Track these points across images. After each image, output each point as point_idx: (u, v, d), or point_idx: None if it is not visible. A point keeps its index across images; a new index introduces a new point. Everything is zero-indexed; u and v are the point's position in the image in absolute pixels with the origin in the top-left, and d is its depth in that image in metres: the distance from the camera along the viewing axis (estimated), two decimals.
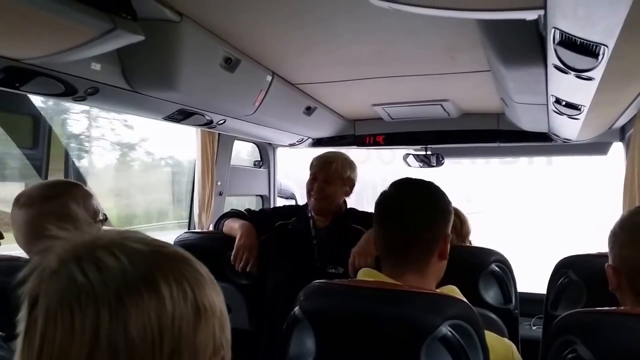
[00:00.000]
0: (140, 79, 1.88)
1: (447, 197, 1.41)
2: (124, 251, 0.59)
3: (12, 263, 1.30)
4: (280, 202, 4.03)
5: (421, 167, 3.45)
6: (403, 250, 1.35)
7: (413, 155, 3.46)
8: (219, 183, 3.21)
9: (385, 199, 1.41)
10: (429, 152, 3.42)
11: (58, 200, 1.46)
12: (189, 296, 0.60)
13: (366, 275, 1.40)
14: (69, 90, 1.75)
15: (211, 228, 3.07)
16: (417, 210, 1.36)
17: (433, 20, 1.67)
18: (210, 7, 1.72)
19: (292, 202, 4.30)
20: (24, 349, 0.58)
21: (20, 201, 1.46)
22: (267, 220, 2.48)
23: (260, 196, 3.86)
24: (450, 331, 1.15)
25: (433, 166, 3.43)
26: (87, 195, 1.54)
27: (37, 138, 2.41)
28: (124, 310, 0.55)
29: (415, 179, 1.44)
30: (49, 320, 0.56)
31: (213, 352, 0.63)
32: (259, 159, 3.84)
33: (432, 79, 2.46)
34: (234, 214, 2.52)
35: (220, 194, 3.25)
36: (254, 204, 3.93)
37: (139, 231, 0.66)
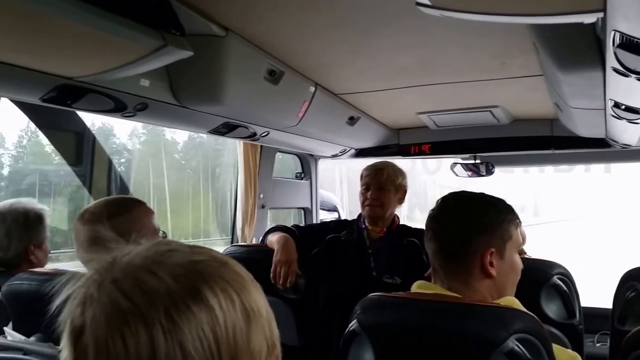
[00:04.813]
0: (187, 93, 1.88)
1: (498, 210, 1.36)
2: (163, 268, 0.58)
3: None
4: (323, 215, 3.99)
5: (470, 176, 3.36)
6: (443, 265, 1.34)
7: (461, 164, 3.38)
8: (261, 196, 3.20)
9: (429, 214, 1.42)
10: (478, 161, 3.34)
11: (120, 217, 1.45)
12: (236, 302, 0.59)
13: (421, 287, 1.38)
14: (119, 106, 1.76)
15: (254, 241, 3.07)
16: (449, 223, 1.36)
17: (482, 26, 1.63)
18: (255, 21, 1.72)
19: (335, 215, 4.26)
20: None
21: (84, 217, 1.46)
22: (315, 235, 2.47)
23: (303, 209, 3.83)
24: (517, 345, 1.12)
25: (482, 175, 3.33)
26: (149, 213, 1.54)
27: (82, 153, 2.46)
28: (176, 328, 0.54)
29: (463, 193, 1.43)
30: (100, 350, 0.54)
31: (268, 352, 0.63)
32: (300, 171, 3.81)
33: (480, 85, 2.40)
34: (280, 228, 2.50)
35: (263, 206, 3.24)
36: (294, 217, 3.91)
37: (169, 240, 0.64)
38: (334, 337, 2.13)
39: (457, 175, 3.40)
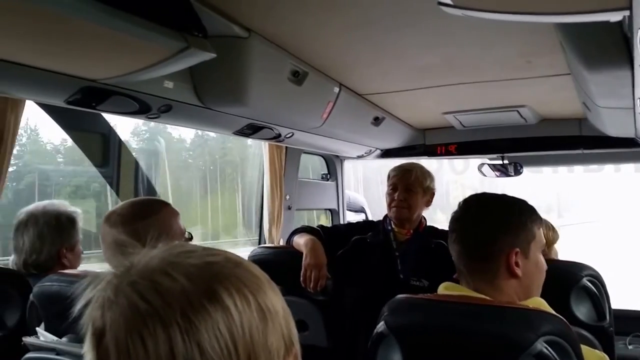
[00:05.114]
0: (211, 95, 1.90)
1: (521, 210, 1.36)
2: (178, 270, 0.59)
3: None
4: (350, 216, 3.98)
5: (498, 176, 3.32)
6: (469, 267, 1.34)
7: (488, 164, 3.33)
8: (287, 197, 3.21)
9: (452, 217, 1.42)
10: (505, 161, 3.29)
11: (148, 219, 1.45)
12: (251, 302, 0.60)
13: (448, 289, 1.38)
14: (143, 108, 1.78)
15: (282, 242, 3.07)
16: (473, 225, 1.35)
17: (507, 24, 1.61)
18: (278, 22, 1.72)
19: (362, 216, 4.25)
20: None
21: (110, 219, 1.46)
22: (341, 236, 2.45)
23: (330, 210, 3.82)
24: (546, 348, 1.11)
25: (511, 175, 3.29)
26: (175, 214, 1.54)
27: (108, 155, 2.50)
28: (193, 328, 0.55)
29: (486, 194, 1.43)
30: (121, 352, 0.56)
31: (286, 351, 0.63)
32: (327, 172, 3.81)
33: (507, 85, 2.37)
34: (306, 229, 2.49)
35: (289, 208, 3.24)
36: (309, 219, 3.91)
37: (184, 243, 0.65)
38: (361, 339, 2.13)
39: (484, 175, 3.36)
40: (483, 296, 1.28)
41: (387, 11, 1.62)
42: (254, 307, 0.60)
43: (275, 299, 0.64)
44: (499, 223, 1.32)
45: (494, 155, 3.31)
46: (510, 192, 1.43)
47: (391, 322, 1.30)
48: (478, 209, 1.38)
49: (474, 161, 3.48)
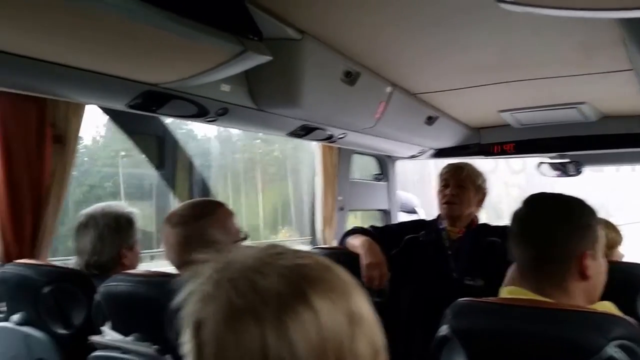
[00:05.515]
0: (265, 97, 1.92)
1: (586, 211, 1.31)
2: (273, 270, 0.61)
3: (164, 279, 1.37)
4: (402, 217, 3.94)
5: (558, 176, 3.21)
6: (536, 269, 1.29)
7: (548, 163, 3.24)
8: (339, 198, 3.21)
9: (515, 217, 1.37)
10: (565, 160, 3.19)
11: (208, 219, 1.50)
12: (340, 306, 0.62)
13: (512, 293, 1.33)
14: (201, 111, 1.82)
15: (334, 243, 3.07)
16: (544, 227, 1.30)
17: (565, 18, 1.56)
18: (330, 23, 1.73)
19: (415, 217, 4.20)
20: None
21: (172, 221, 1.51)
22: (393, 235, 2.43)
23: (382, 211, 3.79)
24: (616, 352, 1.07)
25: (571, 175, 3.18)
26: (230, 214, 1.58)
27: (164, 156, 2.56)
28: (285, 328, 0.58)
29: (548, 194, 1.39)
30: (218, 343, 0.59)
31: (374, 358, 0.65)
32: (379, 172, 3.78)
33: (565, 81, 2.30)
34: (358, 230, 2.48)
35: (342, 209, 3.24)
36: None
37: (278, 244, 0.67)
38: (417, 339, 2.10)
39: (544, 175, 3.26)
40: (548, 300, 1.25)
41: (441, 8, 1.60)
42: (342, 311, 0.61)
43: (362, 305, 0.65)
44: (567, 224, 1.28)
45: (554, 154, 3.22)
46: (560, 190, 1.40)
47: (455, 326, 1.27)
48: (543, 210, 1.34)
49: (530, 160, 3.38)
